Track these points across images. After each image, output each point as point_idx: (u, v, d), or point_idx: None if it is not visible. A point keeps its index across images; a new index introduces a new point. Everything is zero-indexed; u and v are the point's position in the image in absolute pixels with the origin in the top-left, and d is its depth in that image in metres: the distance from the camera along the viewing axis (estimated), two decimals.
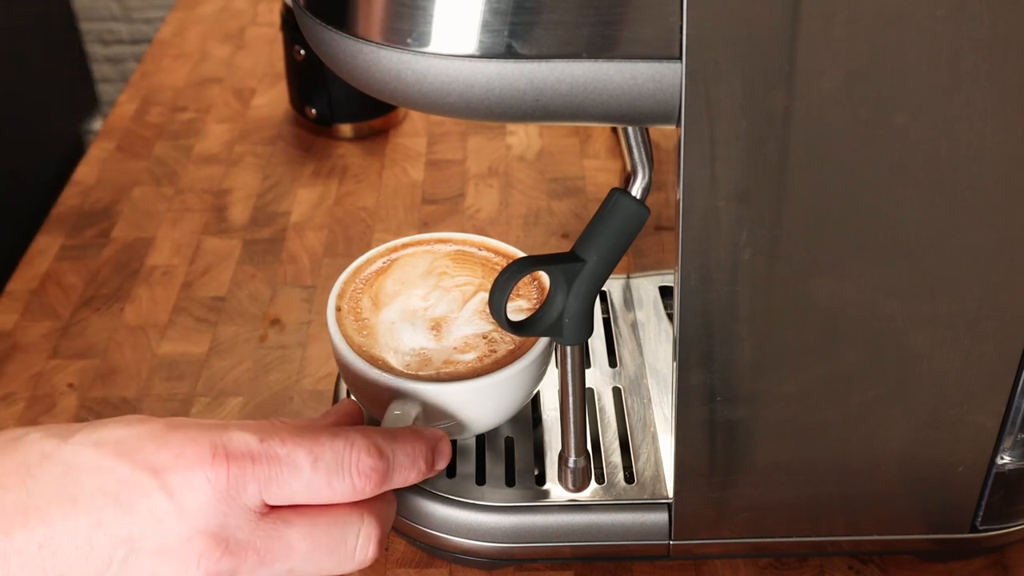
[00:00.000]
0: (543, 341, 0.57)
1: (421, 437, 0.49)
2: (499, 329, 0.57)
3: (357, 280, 0.60)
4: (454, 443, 0.60)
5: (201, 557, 0.42)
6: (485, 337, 0.57)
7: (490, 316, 0.53)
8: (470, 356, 0.56)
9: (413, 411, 0.53)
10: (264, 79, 1.03)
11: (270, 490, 0.43)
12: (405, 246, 0.63)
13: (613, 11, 0.40)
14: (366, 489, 0.45)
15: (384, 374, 0.54)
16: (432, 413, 0.55)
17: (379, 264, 0.61)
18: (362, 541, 0.45)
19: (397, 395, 0.54)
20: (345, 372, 0.57)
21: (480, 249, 0.62)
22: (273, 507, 0.44)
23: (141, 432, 0.44)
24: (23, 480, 0.42)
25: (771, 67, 0.41)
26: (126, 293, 0.78)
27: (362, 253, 0.62)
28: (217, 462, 0.42)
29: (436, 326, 0.57)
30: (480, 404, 0.56)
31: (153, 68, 1.06)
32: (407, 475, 0.47)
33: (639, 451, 0.59)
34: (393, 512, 0.49)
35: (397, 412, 0.53)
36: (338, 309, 0.59)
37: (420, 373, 0.55)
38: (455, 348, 0.56)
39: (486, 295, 0.58)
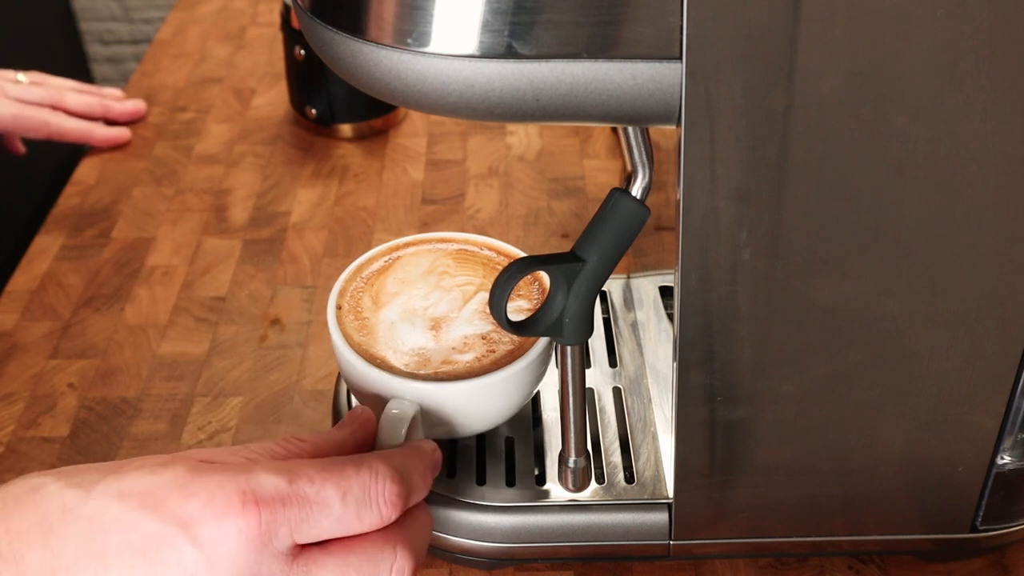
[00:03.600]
0: (543, 341, 0.57)
1: (424, 454, 0.49)
2: (499, 329, 0.57)
3: (358, 279, 0.60)
4: (454, 443, 0.60)
5: None
6: (484, 337, 0.57)
7: (490, 316, 0.53)
8: (469, 356, 0.56)
9: (411, 410, 0.53)
10: (264, 79, 1.03)
11: (301, 531, 0.42)
12: (407, 245, 0.63)
13: (613, 11, 0.40)
14: (392, 516, 0.44)
15: (383, 373, 0.54)
16: (430, 413, 0.55)
17: (380, 263, 0.61)
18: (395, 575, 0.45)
19: (395, 394, 0.54)
20: (344, 371, 0.57)
21: (482, 248, 0.62)
22: (303, 547, 0.43)
23: (166, 480, 0.42)
24: (46, 538, 0.41)
25: (771, 67, 0.41)
26: (126, 293, 0.78)
27: (362, 253, 0.62)
28: (247, 510, 0.41)
29: (436, 325, 0.57)
30: (479, 404, 0.56)
31: (153, 68, 1.06)
32: (419, 495, 0.48)
33: (639, 451, 0.59)
34: (428, 536, 0.49)
35: (395, 411, 0.53)
36: (338, 308, 0.59)
37: (419, 372, 0.55)
38: (454, 348, 0.56)
39: (486, 295, 0.58)
